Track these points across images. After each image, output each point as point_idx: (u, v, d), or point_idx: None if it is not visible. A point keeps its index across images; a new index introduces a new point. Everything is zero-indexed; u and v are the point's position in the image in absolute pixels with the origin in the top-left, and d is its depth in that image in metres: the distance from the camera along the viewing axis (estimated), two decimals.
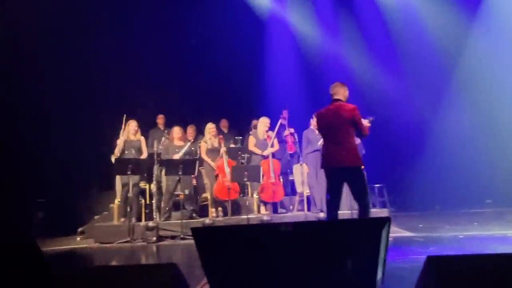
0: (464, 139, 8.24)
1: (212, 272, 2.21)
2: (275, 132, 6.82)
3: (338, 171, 3.94)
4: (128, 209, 6.09)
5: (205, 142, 6.75)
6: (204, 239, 2.21)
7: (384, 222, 2.03)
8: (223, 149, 6.60)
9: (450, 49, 8.41)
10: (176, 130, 6.60)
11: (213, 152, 6.70)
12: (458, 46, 8.44)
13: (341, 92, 4.11)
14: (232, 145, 7.49)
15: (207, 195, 6.83)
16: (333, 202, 3.99)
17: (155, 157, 6.30)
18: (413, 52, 8.44)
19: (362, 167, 3.95)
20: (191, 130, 7.39)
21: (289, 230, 2.13)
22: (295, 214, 6.81)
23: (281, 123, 7.00)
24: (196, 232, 2.21)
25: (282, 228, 2.13)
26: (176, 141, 6.62)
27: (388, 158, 8.73)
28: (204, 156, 6.71)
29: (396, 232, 5.57)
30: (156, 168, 6.33)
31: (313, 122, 6.76)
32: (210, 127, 6.79)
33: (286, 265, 2.18)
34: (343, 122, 3.93)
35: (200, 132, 7.63)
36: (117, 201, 6.49)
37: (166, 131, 7.58)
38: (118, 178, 6.45)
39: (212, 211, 6.59)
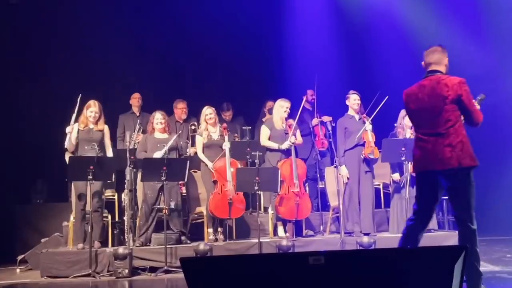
0: None
1: None
2: (296, 119, 6.83)
3: (438, 174, 3.91)
4: (89, 230, 6.17)
5: (200, 135, 6.79)
6: (197, 274, 2.24)
7: (458, 252, 2.04)
8: (226, 144, 6.63)
9: None
10: (158, 117, 6.65)
11: (212, 148, 6.73)
12: None
13: (442, 61, 4.05)
14: (236, 139, 7.51)
15: (202, 209, 6.88)
16: (422, 219, 4.02)
17: (128, 155, 6.35)
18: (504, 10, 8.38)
19: (474, 166, 3.89)
20: (181, 107, 7.49)
21: (320, 263, 2.15)
22: (327, 237, 6.85)
23: (304, 107, 7.00)
24: (187, 265, 2.24)
25: (311, 260, 2.14)
26: (158, 133, 6.67)
27: None
28: (200, 154, 6.75)
29: None
30: (128, 172, 6.39)
31: (352, 101, 6.76)
32: (207, 113, 6.82)
33: None
34: (446, 104, 3.87)
35: (192, 114, 7.72)
36: (72, 217, 6.58)
37: (142, 117, 7.69)
38: (74, 186, 6.52)
39: (209, 232, 6.65)
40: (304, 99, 6.93)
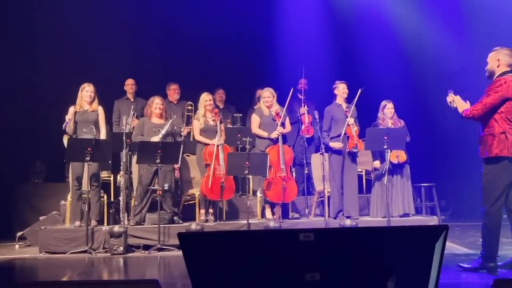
0: None
1: None
2: (285, 108, 6.85)
3: None
4: (86, 209, 6.17)
5: (197, 120, 6.79)
6: (196, 249, 2.26)
7: (438, 232, 2.08)
8: (221, 128, 6.65)
9: None
10: (158, 102, 6.65)
11: (208, 132, 6.74)
12: None
13: None
14: (229, 125, 7.53)
15: (194, 192, 6.91)
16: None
17: (124, 138, 6.34)
18: (486, 12, 8.41)
19: None
20: (173, 88, 7.53)
21: (309, 239, 2.18)
22: (312, 220, 6.91)
23: (292, 96, 7.03)
24: (185, 240, 2.26)
25: (301, 236, 2.17)
26: (155, 118, 6.66)
27: (440, 150, 8.79)
28: (198, 137, 6.76)
29: (449, 248, 5.64)
30: (124, 154, 6.39)
31: (341, 91, 6.80)
32: (206, 99, 6.83)
33: (301, 287, 2.24)
34: None
35: (184, 97, 7.73)
36: (70, 197, 6.57)
37: (136, 102, 7.68)
38: (72, 167, 6.51)
39: (200, 213, 6.68)
40: (292, 90, 6.94)
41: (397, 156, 6.61)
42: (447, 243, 5.89)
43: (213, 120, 6.72)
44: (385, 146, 6.29)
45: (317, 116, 7.23)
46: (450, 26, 8.50)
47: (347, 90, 6.83)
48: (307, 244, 2.19)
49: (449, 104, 4.68)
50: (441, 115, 8.61)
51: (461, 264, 4.58)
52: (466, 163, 8.46)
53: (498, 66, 4.42)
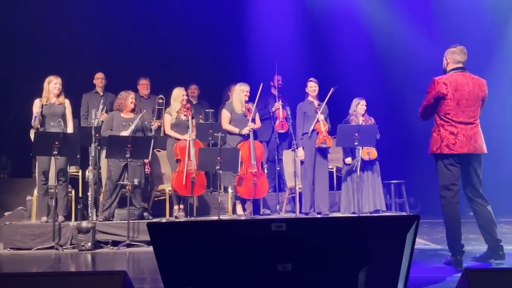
0: (507, 127, 8.46)
1: (175, 286, 2.24)
2: (255, 104, 6.84)
3: (471, 158, 4.46)
4: (52, 204, 6.03)
5: (169, 114, 6.71)
6: (164, 239, 2.22)
7: (410, 222, 2.09)
8: (192, 123, 6.59)
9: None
10: (133, 97, 6.57)
11: (180, 127, 6.65)
12: None
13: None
14: (201, 121, 7.48)
15: (164, 187, 6.83)
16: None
17: (93, 132, 6.22)
18: (454, 11, 8.56)
19: None
20: (143, 83, 7.45)
21: (281, 229, 2.16)
22: (283, 216, 6.91)
23: (264, 92, 7.04)
24: (154, 230, 2.22)
25: (273, 226, 2.15)
26: (125, 112, 6.56)
27: (410, 148, 8.91)
28: (169, 132, 6.68)
29: (417, 243, 5.71)
30: (93, 149, 6.27)
31: (311, 88, 6.84)
32: (181, 93, 6.76)
33: (273, 277, 2.22)
34: (479, 98, 4.48)
35: (155, 92, 7.65)
36: (36, 192, 6.43)
37: (105, 96, 7.55)
38: (38, 161, 6.37)
39: (174, 209, 6.61)
40: (261, 85, 6.93)
41: (368, 153, 6.67)
42: (417, 239, 6.00)
43: (184, 115, 6.66)
44: (356, 143, 6.35)
45: (289, 112, 7.25)
46: (420, 26, 8.64)
47: (315, 88, 6.87)
48: (279, 234, 2.18)
49: None
50: (410, 114, 8.73)
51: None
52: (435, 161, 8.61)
53: (447, 64, 4.57)
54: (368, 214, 6.56)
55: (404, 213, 7.04)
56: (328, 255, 2.17)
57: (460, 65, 4.53)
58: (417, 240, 5.95)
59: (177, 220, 6.29)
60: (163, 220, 6.06)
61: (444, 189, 4.47)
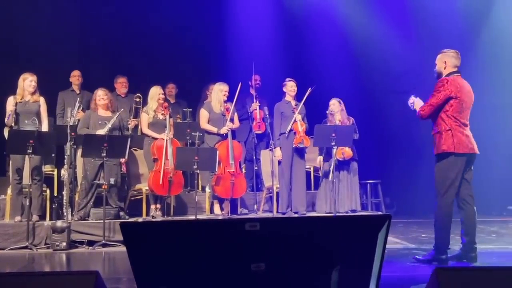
0: (486, 129, 8.61)
1: (148, 286, 2.22)
2: (234, 103, 6.84)
3: (473, 158, 4.67)
4: (27, 203, 5.95)
5: (146, 113, 6.67)
6: (138, 239, 2.21)
7: (381, 221, 2.11)
8: (170, 123, 6.56)
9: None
10: (100, 94, 6.48)
11: (157, 127, 6.62)
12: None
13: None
14: (178, 120, 7.46)
15: (141, 186, 6.79)
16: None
17: (68, 131, 6.15)
18: (429, 13, 8.68)
19: None
20: (120, 81, 7.38)
21: (255, 229, 2.17)
22: (260, 215, 6.94)
23: (242, 91, 7.05)
24: (127, 229, 2.20)
25: (247, 226, 2.16)
26: (101, 110, 6.49)
27: (387, 149, 9.03)
28: (146, 131, 6.64)
29: (392, 243, 5.79)
30: (69, 147, 6.20)
31: (289, 88, 6.87)
32: (159, 92, 6.72)
33: (247, 277, 2.23)
34: (472, 101, 4.69)
35: (133, 91, 7.59)
36: (10, 191, 6.34)
37: (82, 95, 7.47)
38: (12, 160, 6.28)
39: (151, 208, 6.58)
40: (240, 85, 6.95)
41: (343, 153, 6.74)
42: (391, 238, 6.07)
43: (162, 114, 6.63)
44: (333, 143, 6.39)
45: (267, 112, 7.27)
46: (397, 28, 8.74)
47: (295, 88, 6.90)
48: (253, 234, 2.18)
49: (410, 105, 4.86)
50: (388, 114, 8.85)
51: (416, 256, 4.77)
52: (411, 161, 8.73)
53: (445, 68, 4.66)
54: (344, 214, 6.62)
55: (380, 213, 7.10)
56: (301, 255, 2.18)
57: (456, 69, 4.65)
58: (392, 239, 6.05)
59: (153, 219, 6.26)
60: (140, 219, 6.03)
61: (446, 188, 4.56)
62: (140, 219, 6.03)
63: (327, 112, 6.99)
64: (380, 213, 7.17)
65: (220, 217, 6.27)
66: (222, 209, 6.75)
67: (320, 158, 6.94)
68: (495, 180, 8.18)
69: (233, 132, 6.84)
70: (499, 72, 8.67)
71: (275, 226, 2.21)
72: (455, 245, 4.86)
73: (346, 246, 2.14)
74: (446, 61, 4.64)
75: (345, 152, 6.75)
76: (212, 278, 2.25)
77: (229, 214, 6.66)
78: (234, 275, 2.24)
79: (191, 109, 7.89)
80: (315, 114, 7.21)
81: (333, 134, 6.35)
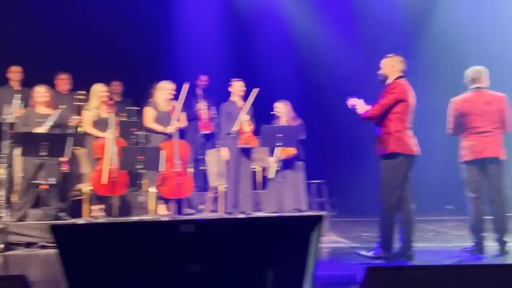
0: (425, 130, 8.91)
1: None
2: (180, 102, 6.78)
3: (416, 159, 4.93)
4: None
5: (88, 111, 6.50)
6: (69, 242, 2.15)
7: (314, 222, 2.13)
8: (113, 121, 6.42)
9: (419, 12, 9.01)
10: (40, 91, 6.27)
11: (101, 125, 6.46)
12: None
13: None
14: (123, 118, 7.31)
15: (82, 187, 6.61)
16: None
17: (5, 128, 5.94)
18: (372, 17, 8.89)
19: None
20: (63, 77, 7.20)
21: (190, 231, 2.15)
22: (206, 216, 6.89)
23: (189, 92, 6.99)
24: (58, 232, 2.14)
25: (182, 228, 2.14)
26: (41, 107, 6.29)
27: (332, 150, 9.19)
28: (90, 129, 6.47)
29: (334, 241, 5.92)
30: (6, 145, 5.99)
31: (236, 88, 6.88)
32: (101, 90, 6.57)
33: (181, 279, 2.21)
34: (415, 106, 4.94)
35: (77, 88, 7.40)
36: None
37: (23, 91, 7.21)
38: None
39: (91, 209, 6.42)
40: (188, 84, 6.88)
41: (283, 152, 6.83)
42: (333, 237, 6.18)
43: (107, 112, 6.49)
44: (279, 143, 6.45)
45: (214, 112, 7.25)
46: (342, 30, 8.92)
47: (243, 88, 6.91)
48: (188, 236, 2.17)
49: (350, 107, 5.00)
50: (334, 115, 9.00)
51: (359, 252, 4.86)
52: (356, 162, 8.93)
53: (392, 72, 4.80)
54: (288, 213, 6.69)
55: (324, 213, 7.22)
56: (236, 256, 2.19)
57: (403, 73, 4.81)
58: (334, 237, 6.16)
59: (94, 221, 6.11)
60: (80, 220, 5.87)
61: (392, 187, 4.71)
62: (81, 221, 5.87)
63: (271, 113, 7.06)
64: (324, 212, 7.28)
65: (164, 218, 6.19)
66: (167, 209, 6.67)
67: (272, 159, 6.96)
68: (433, 180, 8.48)
69: (181, 131, 6.78)
70: (439, 76, 8.98)
71: (210, 227, 2.20)
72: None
73: (279, 247, 2.16)
74: (394, 65, 4.82)
75: (284, 150, 6.81)
76: (146, 281, 2.23)
77: (175, 215, 6.59)
78: (168, 277, 2.22)
79: (138, 107, 7.73)
80: (265, 114, 7.25)
81: (281, 135, 6.41)
